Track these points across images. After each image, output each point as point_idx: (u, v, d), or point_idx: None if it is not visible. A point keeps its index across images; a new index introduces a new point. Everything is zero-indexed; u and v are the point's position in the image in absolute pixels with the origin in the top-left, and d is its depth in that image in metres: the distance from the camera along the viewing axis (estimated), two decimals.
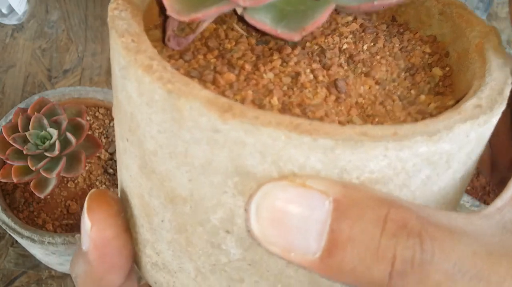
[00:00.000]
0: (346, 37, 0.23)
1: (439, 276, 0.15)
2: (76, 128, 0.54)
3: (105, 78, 0.81)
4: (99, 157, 0.61)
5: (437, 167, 0.17)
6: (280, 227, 0.16)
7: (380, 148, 0.16)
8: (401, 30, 0.24)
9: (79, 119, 0.54)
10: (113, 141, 0.63)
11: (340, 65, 0.21)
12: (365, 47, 0.22)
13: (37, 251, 0.57)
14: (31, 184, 0.53)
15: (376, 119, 0.19)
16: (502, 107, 0.18)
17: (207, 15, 0.18)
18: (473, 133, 0.17)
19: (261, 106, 0.18)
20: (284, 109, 0.18)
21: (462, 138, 0.17)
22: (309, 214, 0.15)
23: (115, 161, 0.59)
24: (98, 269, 0.22)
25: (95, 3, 0.92)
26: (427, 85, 0.22)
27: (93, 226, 0.21)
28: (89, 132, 0.61)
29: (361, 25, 0.24)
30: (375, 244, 0.15)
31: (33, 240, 0.53)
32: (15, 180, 0.51)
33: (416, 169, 0.16)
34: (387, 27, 0.24)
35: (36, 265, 0.63)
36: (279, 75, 0.20)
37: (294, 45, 0.21)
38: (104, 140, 0.63)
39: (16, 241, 0.64)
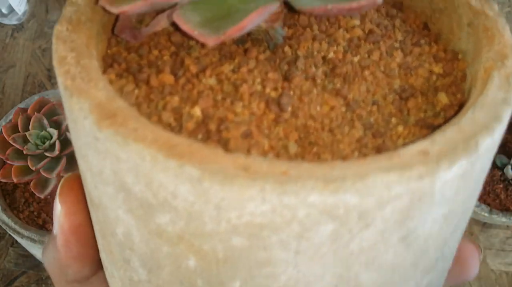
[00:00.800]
0: (339, 45, 0.19)
1: None
2: None
3: None
4: None
5: (346, 223, 0.14)
6: None
7: (255, 188, 0.13)
8: (421, 42, 0.20)
9: None
10: None
11: (312, 78, 0.18)
12: (355, 59, 0.19)
13: (37, 251, 0.57)
14: (31, 184, 0.53)
15: (314, 149, 0.16)
16: (462, 160, 0.14)
17: (133, 9, 0.17)
18: (400, 188, 0.13)
19: (179, 115, 0.16)
20: (203, 122, 0.16)
21: (382, 192, 0.13)
22: None
23: None
24: (65, 255, 0.21)
25: None
26: (420, 114, 0.18)
27: (62, 209, 0.20)
28: None
29: (369, 31, 0.20)
30: None
31: (33, 240, 0.53)
32: (15, 180, 0.51)
33: (313, 221, 0.13)
34: (405, 37, 0.20)
35: (36, 265, 0.63)
36: (223, 82, 0.17)
37: (274, 47, 0.19)
38: None
39: (16, 241, 0.64)
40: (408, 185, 0.13)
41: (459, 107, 0.18)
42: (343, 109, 0.17)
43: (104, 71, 0.17)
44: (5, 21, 0.87)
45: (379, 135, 0.17)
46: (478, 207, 0.61)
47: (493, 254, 0.66)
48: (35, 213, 0.57)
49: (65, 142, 0.52)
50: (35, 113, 0.54)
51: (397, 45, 0.20)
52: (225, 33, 0.16)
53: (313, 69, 0.18)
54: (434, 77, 0.19)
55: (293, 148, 0.16)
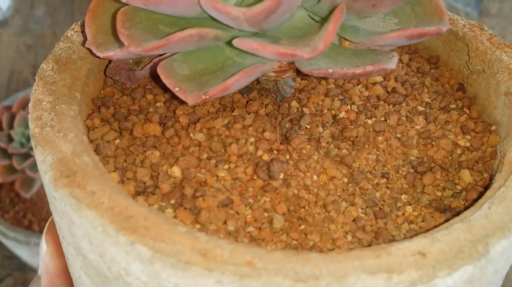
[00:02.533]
0: (353, 103, 0.17)
1: None
2: None
3: None
4: None
5: None
6: None
7: (211, 279, 0.11)
8: (451, 107, 0.18)
9: None
10: None
11: (317, 140, 0.16)
12: (369, 122, 0.17)
13: (23, 252, 0.57)
14: (16, 183, 0.52)
15: (302, 227, 0.14)
16: (467, 266, 0.12)
17: (118, 56, 0.16)
18: None
19: (156, 174, 0.15)
20: (180, 184, 0.15)
21: None
22: None
23: None
24: None
25: None
26: (437, 193, 0.16)
27: (48, 250, 0.20)
28: None
29: (392, 90, 0.18)
30: None
31: (19, 241, 0.52)
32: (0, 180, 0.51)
33: None
34: (433, 99, 0.18)
35: (22, 266, 0.63)
36: (213, 138, 0.16)
37: (281, 100, 0.18)
38: None
39: (1, 242, 0.63)
40: None
41: (485, 188, 0.15)
42: (345, 180, 0.16)
43: (90, 115, 0.17)
44: None
45: (382, 215, 0.15)
46: None
47: None
48: (21, 214, 0.57)
49: None
50: (20, 110, 0.53)
51: (421, 108, 0.18)
52: (207, 93, 0.15)
53: (320, 129, 0.17)
54: (458, 151, 0.17)
55: (279, 222, 0.14)
